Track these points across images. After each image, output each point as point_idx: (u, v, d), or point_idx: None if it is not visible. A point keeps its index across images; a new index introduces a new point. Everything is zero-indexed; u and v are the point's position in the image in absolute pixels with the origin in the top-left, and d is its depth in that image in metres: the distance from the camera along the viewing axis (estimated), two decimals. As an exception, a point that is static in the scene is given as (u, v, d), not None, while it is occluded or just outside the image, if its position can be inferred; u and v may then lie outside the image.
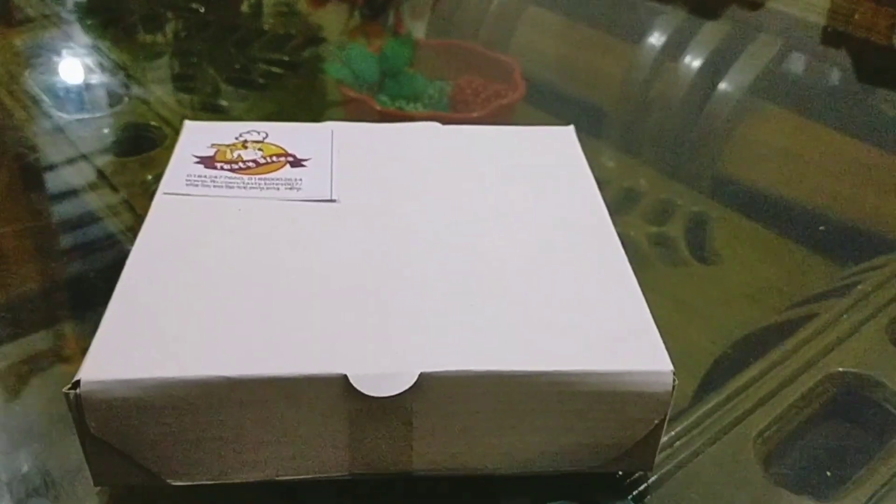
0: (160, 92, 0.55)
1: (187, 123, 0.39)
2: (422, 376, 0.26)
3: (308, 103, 0.59)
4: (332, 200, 0.34)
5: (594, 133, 0.53)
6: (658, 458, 0.28)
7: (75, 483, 0.28)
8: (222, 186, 0.35)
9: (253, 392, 0.25)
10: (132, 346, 0.26)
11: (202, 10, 0.70)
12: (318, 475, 0.27)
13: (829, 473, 0.30)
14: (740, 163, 0.51)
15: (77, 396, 0.25)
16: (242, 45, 0.64)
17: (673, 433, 0.31)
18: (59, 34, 0.62)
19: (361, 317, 0.28)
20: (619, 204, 0.45)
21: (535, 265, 0.31)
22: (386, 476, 0.28)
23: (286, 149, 0.38)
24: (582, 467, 0.28)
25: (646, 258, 0.41)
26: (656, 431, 0.27)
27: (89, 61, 0.58)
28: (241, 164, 0.36)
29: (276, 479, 0.27)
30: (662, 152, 0.52)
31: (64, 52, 0.59)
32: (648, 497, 0.29)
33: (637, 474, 0.29)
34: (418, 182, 0.36)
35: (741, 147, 0.53)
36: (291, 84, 0.60)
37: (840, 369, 0.35)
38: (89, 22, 0.65)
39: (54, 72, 0.57)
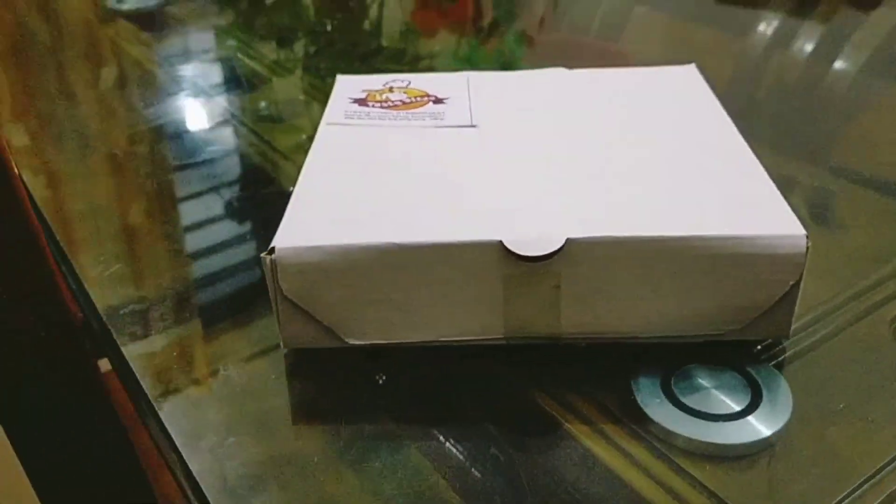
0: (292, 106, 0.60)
1: (339, 77, 0.44)
2: (568, 241, 0.28)
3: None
4: (472, 126, 0.38)
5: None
6: (795, 332, 0.30)
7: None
8: (375, 119, 0.39)
9: (420, 257, 0.29)
10: (318, 218, 0.30)
11: (329, 28, 0.76)
12: (476, 337, 0.30)
13: (967, 345, 0.31)
14: (859, 144, 0.51)
15: (273, 261, 0.29)
16: (366, 59, 0.69)
17: (810, 317, 0.33)
18: (199, 42, 0.69)
19: (516, 195, 0.31)
20: None
21: (667, 155, 0.33)
22: (537, 340, 0.31)
23: (428, 91, 0.42)
24: (721, 331, 0.30)
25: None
26: (792, 295, 0.29)
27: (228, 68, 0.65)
28: (389, 103, 0.41)
29: (439, 340, 0.31)
30: (780, 136, 0.53)
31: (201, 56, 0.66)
32: (785, 363, 0.30)
33: (774, 346, 0.31)
34: (550, 112, 0.39)
35: (859, 129, 0.53)
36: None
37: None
38: (230, 40, 0.72)
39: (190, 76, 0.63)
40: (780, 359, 0.31)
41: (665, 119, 0.37)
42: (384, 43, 0.73)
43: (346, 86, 0.43)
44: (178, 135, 0.52)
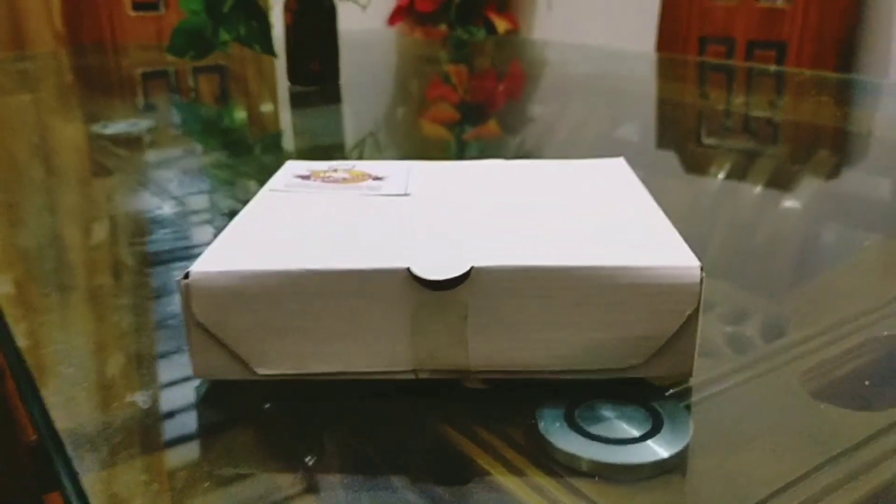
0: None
1: (289, 162, 0.47)
2: (474, 269, 0.30)
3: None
4: (405, 195, 0.40)
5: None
6: (706, 382, 0.30)
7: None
8: (314, 189, 0.41)
9: (329, 284, 0.30)
10: (237, 250, 0.32)
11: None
12: (384, 369, 0.31)
13: (867, 382, 0.31)
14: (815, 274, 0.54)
15: (186, 286, 0.30)
16: None
17: (718, 372, 0.33)
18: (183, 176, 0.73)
19: (426, 227, 0.32)
20: None
21: (580, 208, 0.35)
22: (445, 374, 0.31)
23: (370, 172, 0.44)
24: (623, 365, 0.30)
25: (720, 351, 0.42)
26: (690, 327, 0.30)
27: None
28: (332, 178, 0.43)
29: (349, 372, 0.31)
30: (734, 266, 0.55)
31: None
32: (692, 402, 0.30)
33: (680, 387, 0.31)
34: (482, 186, 0.41)
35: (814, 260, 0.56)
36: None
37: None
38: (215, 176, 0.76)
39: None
40: (686, 399, 0.31)
41: (585, 188, 0.39)
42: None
43: (294, 167, 0.46)
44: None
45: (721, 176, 0.64)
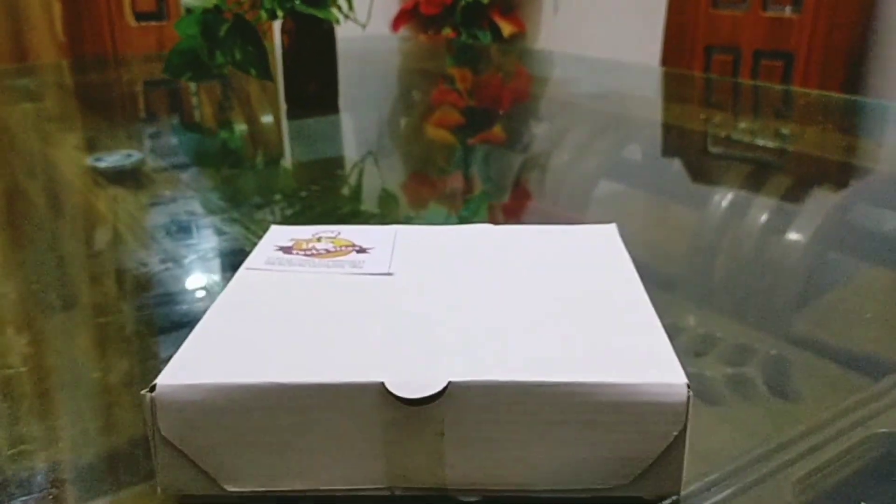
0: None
1: (273, 227, 0.46)
2: (451, 385, 0.28)
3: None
4: (388, 274, 0.39)
5: (666, 287, 0.56)
6: (694, 493, 0.29)
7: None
8: (295, 266, 0.40)
9: (299, 398, 0.29)
10: (206, 357, 0.30)
11: (305, 195, 0.79)
12: (357, 486, 0.30)
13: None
14: (815, 311, 0.52)
15: (152, 399, 0.29)
16: (341, 222, 0.71)
17: (708, 479, 0.32)
18: (176, 205, 0.72)
19: (399, 337, 0.31)
20: (696, 347, 0.44)
21: (566, 306, 0.34)
22: (421, 492, 0.29)
23: (354, 242, 0.43)
24: (608, 485, 0.29)
25: (721, 395, 0.40)
26: (678, 447, 0.28)
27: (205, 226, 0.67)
28: (314, 251, 0.42)
29: (322, 489, 0.30)
30: (737, 302, 0.53)
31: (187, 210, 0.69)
32: (680, 526, 0.29)
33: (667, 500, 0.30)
34: (467, 263, 0.40)
35: (816, 295, 0.54)
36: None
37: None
38: (209, 196, 0.75)
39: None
40: (674, 516, 0.29)
41: (574, 273, 0.38)
42: (362, 208, 0.76)
43: (277, 235, 0.44)
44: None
45: (720, 210, 0.63)
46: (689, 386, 0.28)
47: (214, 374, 0.29)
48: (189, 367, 0.30)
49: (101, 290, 0.51)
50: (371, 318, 0.34)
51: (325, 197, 0.75)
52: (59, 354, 0.43)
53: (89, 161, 0.80)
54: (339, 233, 0.44)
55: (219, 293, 0.49)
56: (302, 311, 0.35)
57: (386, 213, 0.71)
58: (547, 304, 0.35)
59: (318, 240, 0.43)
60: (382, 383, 0.28)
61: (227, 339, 0.32)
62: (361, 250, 0.42)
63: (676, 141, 0.90)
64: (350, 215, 0.71)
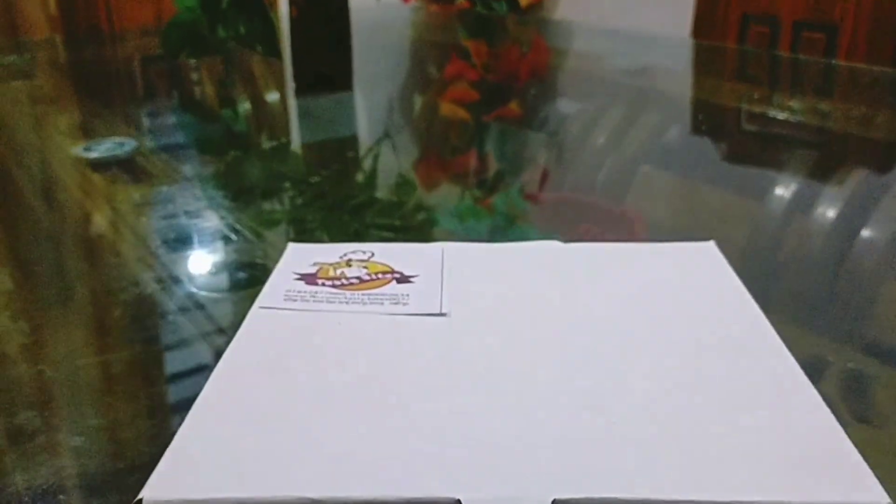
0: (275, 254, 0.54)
1: (291, 245, 0.37)
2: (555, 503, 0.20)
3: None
4: (441, 314, 0.30)
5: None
6: None
7: None
8: (322, 301, 0.31)
9: (345, 521, 0.20)
10: (204, 462, 0.22)
11: (316, 180, 0.71)
12: None
13: None
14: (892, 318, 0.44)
15: (137, 520, 0.21)
16: (356, 212, 0.63)
17: None
18: (182, 195, 0.64)
19: (477, 435, 0.23)
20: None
21: (688, 377, 0.25)
22: None
23: (393, 266, 0.35)
24: None
25: None
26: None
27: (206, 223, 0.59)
28: (343, 281, 0.33)
29: None
30: (805, 309, 0.45)
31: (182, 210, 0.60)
32: None
33: None
34: (540, 301, 0.31)
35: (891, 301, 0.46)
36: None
37: None
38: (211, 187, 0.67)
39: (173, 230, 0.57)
40: None
41: (686, 318, 0.30)
42: (378, 195, 0.68)
43: (296, 256, 0.36)
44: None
45: (786, 201, 0.54)
46: (895, 507, 0.20)
47: (221, 482, 0.21)
48: (185, 474, 0.22)
49: (77, 321, 0.43)
50: (428, 387, 0.25)
51: (338, 183, 0.67)
52: None
53: (78, 151, 0.72)
54: (373, 254, 0.36)
55: (223, 329, 0.41)
56: (333, 376, 0.26)
57: (405, 202, 0.63)
58: (662, 366, 0.26)
59: (348, 263, 0.35)
60: (458, 501, 0.20)
61: (236, 429, 0.23)
62: (403, 279, 0.33)
63: (721, 121, 0.80)
64: (365, 205, 0.63)
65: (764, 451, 0.22)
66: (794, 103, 0.84)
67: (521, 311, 0.30)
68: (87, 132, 0.78)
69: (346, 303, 0.31)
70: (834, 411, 0.23)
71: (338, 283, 0.33)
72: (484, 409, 0.24)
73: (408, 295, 0.32)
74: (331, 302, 0.31)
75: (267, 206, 0.64)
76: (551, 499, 0.20)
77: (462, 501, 0.20)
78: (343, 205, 0.65)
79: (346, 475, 0.21)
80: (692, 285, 0.32)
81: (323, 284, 0.33)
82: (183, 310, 0.43)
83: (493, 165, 0.72)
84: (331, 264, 0.35)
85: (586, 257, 0.35)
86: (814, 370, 0.33)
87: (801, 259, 0.50)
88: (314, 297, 0.32)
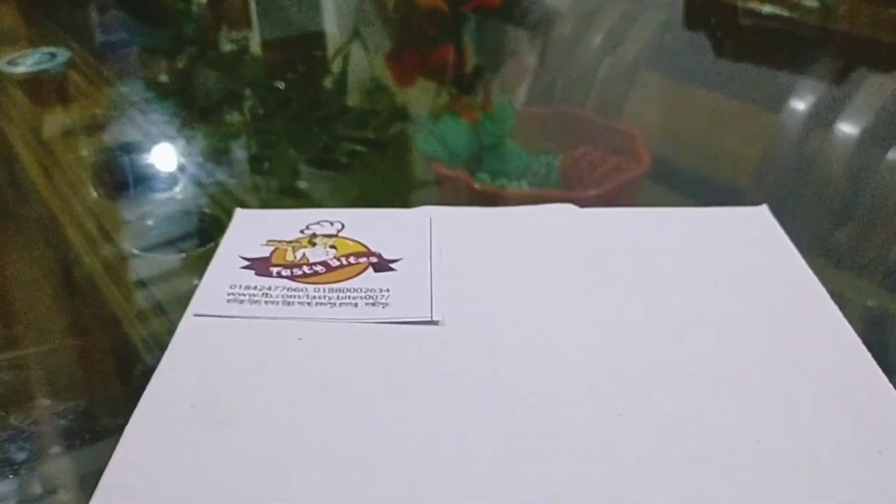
0: (234, 174, 0.47)
1: (238, 212, 0.29)
2: None
3: (396, 184, 0.50)
4: (432, 322, 0.23)
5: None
6: None
7: None
8: (277, 301, 0.24)
9: None
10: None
11: (282, 87, 0.63)
12: None
13: None
14: None
15: None
16: (325, 123, 0.56)
17: None
18: (127, 113, 0.55)
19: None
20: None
21: (751, 414, 0.19)
22: None
23: (368, 245, 0.27)
24: None
25: None
26: None
27: (156, 144, 0.51)
28: (305, 269, 0.26)
29: None
30: (823, 237, 0.39)
31: (131, 131, 0.52)
32: None
33: None
34: (557, 292, 0.24)
35: None
36: (377, 163, 0.51)
37: None
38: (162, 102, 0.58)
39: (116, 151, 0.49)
40: None
41: (741, 313, 0.23)
42: (349, 102, 0.60)
43: (246, 228, 0.28)
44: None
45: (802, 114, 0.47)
46: None
47: None
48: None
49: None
50: (414, 444, 0.18)
51: (304, 88, 0.59)
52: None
53: (0, 66, 0.62)
54: (343, 225, 0.28)
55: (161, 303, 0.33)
56: (289, 429, 0.19)
57: (378, 111, 0.56)
58: (718, 393, 0.20)
59: (311, 241, 0.27)
60: None
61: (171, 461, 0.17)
62: (382, 264, 0.26)
63: (732, 18, 0.71)
64: (335, 115, 0.55)
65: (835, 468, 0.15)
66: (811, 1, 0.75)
67: (533, 313, 0.24)
68: (10, 42, 0.68)
69: (309, 304, 0.24)
70: None
71: (298, 272, 0.26)
72: (489, 467, 0.17)
73: (388, 291, 0.25)
74: (289, 303, 0.24)
75: (225, 117, 0.57)
76: None
77: None
78: (310, 114, 0.58)
79: None
80: (743, 267, 0.25)
81: (279, 275, 0.25)
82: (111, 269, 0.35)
83: (472, 60, 0.64)
84: (289, 242, 0.27)
85: (608, 234, 0.28)
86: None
87: (818, 176, 0.43)
88: (266, 295, 0.25)
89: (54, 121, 0.53)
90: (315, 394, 0.20)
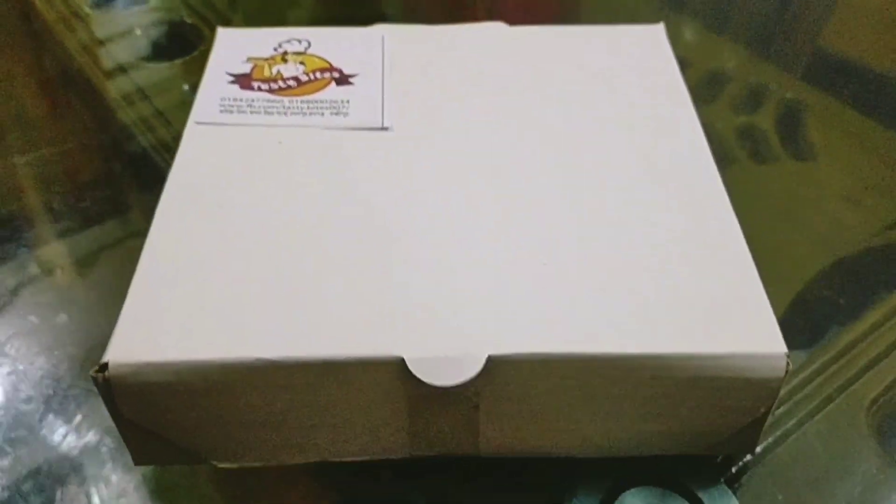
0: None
1: (221, 31, 0.35)
2: (490, 360, 0.22)
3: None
4: (383, 128, 0.30)
5: (675, 6, 0.47)
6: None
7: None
8: (260, 112, 0.31)
9: (297, 376, 0.22)
10: (162, 322, 0.23)
11: None
12: (372, 457, 0.25)
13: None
14: (845, 39, 0.44)
15: (106, 380, 0.22)
16: None
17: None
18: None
19: (418, 290, 0.24)
20: (703, 90, 0.40)
21: (623, 222, 0.26)
22: (450, 457, 0.25)
23: (331, 62, 0.33)
24: (671, 452, 0.25)
25: (731, 153, 0.36)
26: (762, 418, 0.24)
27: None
28: (280, 83, 0.32)
29: (329, 461, 0.25)
30: (752, 27, 0.45)
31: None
32: (745, 478, 0.26)
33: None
34: (485, 99, 0.31)
35: (847, 19, 0.45)
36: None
37: (971, 320, 0.30)
38: None
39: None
40: (735, 469, 0.26)
41: (622, 135, 0.30)
42: None
43: (228, 47, 0.34)
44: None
45: None
46: (787, 356, 0.22)
47: (180, 346, 0.23)
48: (145, 336, 0.23)
49: None
50: (373, 242, 0.26)
51: None
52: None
53: None
54: (310, 44, 0.34)
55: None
56: (277, 219, 0.26)
57: None
58: (599, 202, 0.27)
59: (283, 58, 0.33)
60: (402, 359, 0.22)
61: (187, 283, 0.24)
62: (342, 79, 0.32)
63: None
64: None
65: (678, 301, 0.24)
66: None
67: (466, 117, 0.30)
68: None
69: (285, 113, 0.31)
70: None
71: (274, 86, 0.32)
72: (425, 261, 0.25)
73: (348, 102, 0.31)
74: (269, 112, 0.31)
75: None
76: (486, 355, 0.22)
77: (406, 360, 0.22)
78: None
79: (294, 336, 0.23)
80: (635, 82, 0.32)
81: (259, 89, 0.32)
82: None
83: None
84: (265, 59, 0.33)
85: (532, 44, 0.34)
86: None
87: None
88: (251, 106, 0.31)
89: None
90: (293, 188, 0.27)
